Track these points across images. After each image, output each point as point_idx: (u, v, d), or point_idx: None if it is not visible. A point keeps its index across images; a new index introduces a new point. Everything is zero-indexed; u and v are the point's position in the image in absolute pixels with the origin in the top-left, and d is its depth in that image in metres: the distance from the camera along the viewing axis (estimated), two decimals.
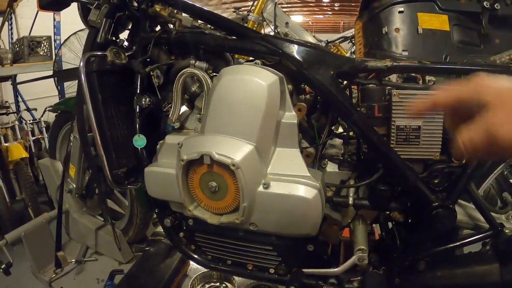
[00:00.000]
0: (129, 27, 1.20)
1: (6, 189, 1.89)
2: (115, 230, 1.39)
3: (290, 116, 0.91)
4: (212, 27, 1.09)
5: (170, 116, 1.04)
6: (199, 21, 1.10)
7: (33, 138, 2.33)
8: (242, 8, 1.94)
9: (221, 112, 0.90)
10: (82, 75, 1.06)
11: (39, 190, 2.02)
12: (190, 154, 0.89)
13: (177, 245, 1.12)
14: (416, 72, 0.99)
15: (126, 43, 1.18)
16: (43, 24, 3.04)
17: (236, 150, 0.86)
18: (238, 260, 1.05)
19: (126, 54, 1.09)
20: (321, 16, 8.58)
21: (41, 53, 2.58)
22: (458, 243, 1.00)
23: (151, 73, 1.08)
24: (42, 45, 2.59)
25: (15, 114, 2.58)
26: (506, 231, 0.99)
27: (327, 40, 1.80)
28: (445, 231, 0.95)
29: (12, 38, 3.04)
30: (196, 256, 1.10)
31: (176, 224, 1.09)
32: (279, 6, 1.76)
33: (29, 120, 2.43)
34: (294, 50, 0.93)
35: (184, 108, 1.07)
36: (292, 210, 0.87)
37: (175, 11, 1.11)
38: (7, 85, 3.08)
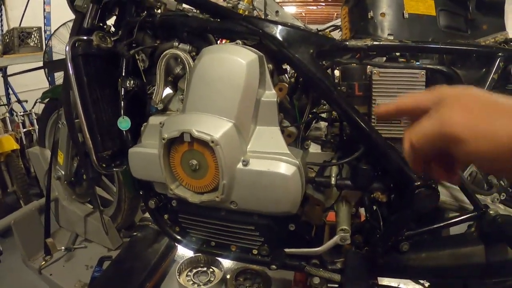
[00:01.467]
0: (116, 13, 1.21)
1: None
2: (103, 217, 1.40)
3: (270, 95, 0.92)
4: (195, 10, 1.09)
5: (153, 97, 1.05)
6: (183, 5, 1.11)
7: (24, 130, 2.34)
8: None
9: (201, 90, 0.90)
10: (68, 59, 1.07)
11: (30, 182, 2.02)
12: (171, 132, 0.90)
13: (162, 227, 1.12)
14: (397, 50, 0.99)
15: (113, 29, 1.19)
16: (33, 15, 3.04)
17: (215, 127, 0.86)
18: (222, 241, 1.05)
19: (112, 38, 1.10)
20: (315, 7, 8.59)
21: (32, 44, 2.59)
22: (442, 224, 1.00)
23: (136, 57, 1.09)
24: (33, 36, 2.60)
25: (6, 106, 2.59)
26: (491, 212, 0.98)
27: (317, 29, 1.79)
28: (428, 211, 0.94)
29: (2, 30, 3.05)
30: (180, 238, 1.11)
31: (161, 206, 1.09)
32: None
33: (20, 112, 2.44)
34: (274, 30, 0.93)
35: (168, 90, 1.07)
36: (271, 187, 0.87)
37: None
38: None
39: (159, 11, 1.13)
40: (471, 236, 1.03)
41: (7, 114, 2.34)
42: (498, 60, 0.95)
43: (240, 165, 0.88)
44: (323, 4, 8.15)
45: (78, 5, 1.12)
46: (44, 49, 2.64)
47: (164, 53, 1.01)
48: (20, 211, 1.49)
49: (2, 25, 3.08)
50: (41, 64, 2.63)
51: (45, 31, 2.92)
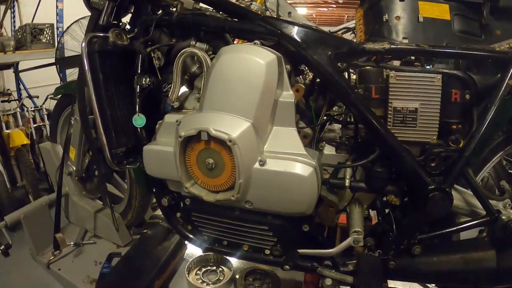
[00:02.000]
0: (132, 11, 1.21)
1: (7, 175, 1.90)
2: (114, 213, 1.40)
3: (288, 95, 0.92)
4: (213, 10, 1.10)
5: (169, 95, 1.05)
6: (200, 4, 1.12)
7: (35, 125, 2.35)
8: None
9: (219, 89, 0.91)
10: (84, 55, 1.07)
11: (40, 177, 2.03)
12: (188, 130, 0.90)
13: (174, 225, 1.12)
14: (413, 54, 0.99)
15: (128, 27, 1.20)
16: (45, 12, 3.05)
17: (233, 126, 0.87)
18: (234, 240, 1.05)
19: (128, 36, 1.11)
20: (326, 9, 8.59)
21: (44, 40, 2.59)
22: (454, 228, 1.00)
23: (152, 55, 1.09)
24: (45, 32, 2.60)
25: (17, 102, 2.60)
26: (503, 217, 0.98)
27: (329, 31, 1.80)
28: (441, 215, 0.95)
29: (14, 26, 3.05)
30: (192, 236, 1.11)
31: (173, 204, 1.10)
32: None
33: (31, 108, 2.45)
34: (293, 31, 0.94)
35: (184, 89, 1.08)
36: (287, 187, 0.87)
37: None
38: (10, 73, 3.09)
39: (174, 9, 1.14)
40: (482, 241, 1.03)
41: (18, 109, 2.35)
42: None
43: (257, 165, 0.88)
44: (334, 6, 8.15)
45: (95, 1, 1.12)
46: (56, 45, 2.65)
47: (182, 51, 1.01)
48: (30, 206, 1.49)
49: (15, 21, 3.10)
50: (52, 60, 2.64)
51: (57, 28, 2.93)
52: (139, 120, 1.08)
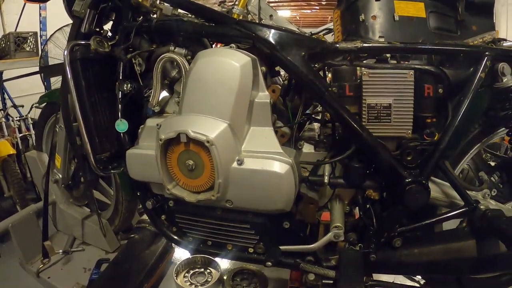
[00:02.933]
0: (113, 18, 1.23)
1: None
2: (101, 219, 1.41)
3: (263, 96, 0.94)
4: (191, 15, 1.12)
5: (150, 100, 1.07)
6: (179, 10, 1.14)
7: (20, 135, 2.34)
8: (228, 2, 1.97)
9: (197, 92, 0.93)
10: (67, 63, 1.09)
11: (27, 187, 2.03)
12: (168, 133, 0.92)
13: (160, 228, 1.14)
14: (385, 52, 1.02)
15: (109, 34, 1.22)
16: (29, 20, 3.05)
17: (211, 128, 0.89)
18: (218, 240, 1.07)
19: (109, 43, 1.12)
20: (309, 11, 8.64)
21: (27, 49, 2.59)
22: (433, 220, 1.02)
23: (133, 61, 1.11)
24: (28, 41, 2.60)
25: (2, 112, 2.59)
26: (481, 207, 1.00)
27: (310, 32, 1.83)
28: (419, 207, 0.97)
29: None
30: (177, 238, 1.12)
31: (158, 207, 1.11)
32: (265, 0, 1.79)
33: (16, 117, 2.44)
34: (267, 33, 0.96)
35: (164, 93, 1.10)
36: (265, 185, 0.89)
37: (157, 1, 1.14)
38: None
39: (155, 16, 1.16)
40: (462, 231, 1.05)
41: (3, 119, 2.34)
42: (485, 59, 0.97)
43: (235, 164, 0.90)
44: (317, 7, 8.20)
45: (76, 10, 1.14)
46: (40, 54, 2.65)
47: (161, 57, 1.03)
48: (17, 215, 1.50)
49: None
50: (37, 69, 2.64)
51: (41, 36, 2.92)
52: (121, 126, 1.09)
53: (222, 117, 0.90)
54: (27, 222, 1.49)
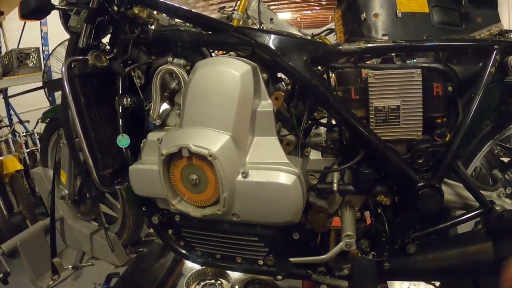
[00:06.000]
0: (111, 31, 1.21)
1: (3, 202, 1.91)
2: (108, 234, 1.40)
3: (266, 105, 0.91)
4: (188, 24, 1.10)
5: (151, 113, 1.05)
6: (176, 19, 1.12)
7: (27, 150, 2.35)
8: (228, 8, 1.96)
9: (197, 104, 0.91)
10: (65, 80, 1.07)
11: (36, 201, 2.03)
12: (169, 148, 0.90)
13: (167, 242, 1.12)
14: (391, 51, 0.98)
15: (108, 47, 1.20)
16: (31, 36, 3.07)
17: (212, 141, 0.86)
18: (227, 253, 1.05)
19: (108, 57, 1.11)
20: (309, 12, 8.59)
21: (30, 64, 2.61)
22: (448, 224, 0.99)
23: (133, 74, 1.09)
24: (31, 56, 2.62)
25: (8, 128, 2.60)
26: (497, 208, 0.97)
27: (312, 34, 1.80)
28: (433, 211, 0.93)
29: (0, 52, 3.08)
30: (185, 252, 1.10)
31: (164, 221, 1.09)
32: (264, 3, 1.77)
33: (23, 133, 2.45)
34: (267, 39, 0.93)
35: (165, 106, 1.08)
36: (272, 197, 0.86)
37: (154, 11, 1.12)
38: None
39: (153, 27, 1.14)
40: (478, 233, 1.02)
41: (10, 135, 2.36)
42: (495, 53, 0.93)
43: (239, 177, 0.87)
44: (318, 8, 8.14)
45: (72, 25, 1.12)
46: (43, 69, 2.66)
47: (159, 69, 1.01)
48: (26, 232, 1.50)
49: (0, 47, 3.11)
50: (41, 84, 2.64)
51: (43, 51, 2.94)
52: (123, 141, 1.08)
53: (224, 129, 0.87)
54: (35, 239, 1.48)
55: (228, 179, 0.86)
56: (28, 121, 2.71)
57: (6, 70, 2.53)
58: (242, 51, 0.97)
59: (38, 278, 1.48)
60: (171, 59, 1.03)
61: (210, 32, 1.02)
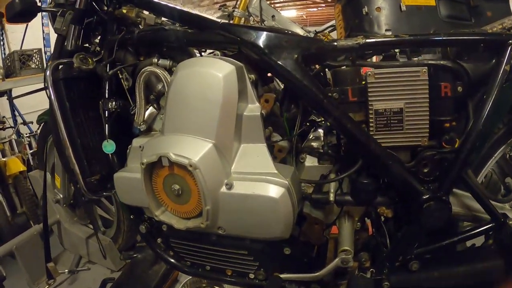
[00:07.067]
0: (100, 32, 1.17)
1: (6, 203, 1.92)
2: (103, 238, 1.37)
3: (254, 108, 0.84)
4: (177, 23, 1.03)
5: (135, 118, 0.99)
6: (163, 18, 1.05)
7: (31, 151, 2.36)
8: (229, 6, 1.88)
9: (178, 109, 0.84)
10: (49, 84, 1.04)
11: (39, 203, 2.03)
12: (149, 156, 0.84)
13: (156, 251, 1.07)
14: (392, 47, 0.89)
15: (98, 49, 1.15)
16: (33, 37, 3.05)
17: (194, 150, 0.80)
18: (217, 265, 0.99)
19: (95, 59, 1.06)
20: (315, 9, 8.40)
21: (33, 66, 2.60)
22: (455, 239, 0.90)
23: (120, 76, 1.04)
24: (33, 58, 2.62)
25: (12, 129, 2.62)
26: (510, 222, 0.87)
27: (315, 31, 1.71)
28: (438, 227, 0.85)
29: (4, 53, 3.10)
30: (175, 262, 1.05)
31: (154, 229, 1.04)
32: (268, 0, 1.69)
33: (26, 134, 2.46)
34: (253, 36, 0.85)
35: (151, 109, 1.02)
36: (258, 211, 0.79)
37: (143, 11, 1.06)
38: (3, 100, 3.11)
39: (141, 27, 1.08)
40: (489, 249, 0.93)
41: (14, 136, 2.37)
42: (510, 48, 0.83)
43: (223, 189, 0.81)
44: (323, 5, 7.94)
45: (57, 28, 1.08)
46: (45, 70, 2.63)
47: (142, 71, 0.95)
48: (22, 236, 1.49)
49: (4, 49, 3.13)
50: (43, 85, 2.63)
51: (45, 52, 2.94)
52: (108, 147, 1.03)
53: (206, 136, 0.81)
54: (31, 243, 1.47)
55: (211, 191, 0.80)
56: (32, 122, 2.72)
57: (9, 71, 2.54)
58: (228, 49, 0.89)
59: (34, 282, 1.47)
60: (156, 60, 0.97)
61: (195, 30, 0.96)
